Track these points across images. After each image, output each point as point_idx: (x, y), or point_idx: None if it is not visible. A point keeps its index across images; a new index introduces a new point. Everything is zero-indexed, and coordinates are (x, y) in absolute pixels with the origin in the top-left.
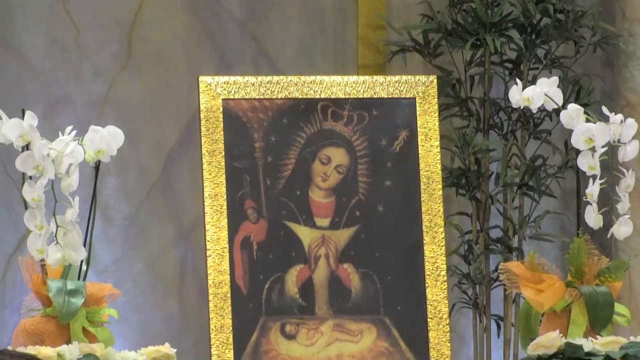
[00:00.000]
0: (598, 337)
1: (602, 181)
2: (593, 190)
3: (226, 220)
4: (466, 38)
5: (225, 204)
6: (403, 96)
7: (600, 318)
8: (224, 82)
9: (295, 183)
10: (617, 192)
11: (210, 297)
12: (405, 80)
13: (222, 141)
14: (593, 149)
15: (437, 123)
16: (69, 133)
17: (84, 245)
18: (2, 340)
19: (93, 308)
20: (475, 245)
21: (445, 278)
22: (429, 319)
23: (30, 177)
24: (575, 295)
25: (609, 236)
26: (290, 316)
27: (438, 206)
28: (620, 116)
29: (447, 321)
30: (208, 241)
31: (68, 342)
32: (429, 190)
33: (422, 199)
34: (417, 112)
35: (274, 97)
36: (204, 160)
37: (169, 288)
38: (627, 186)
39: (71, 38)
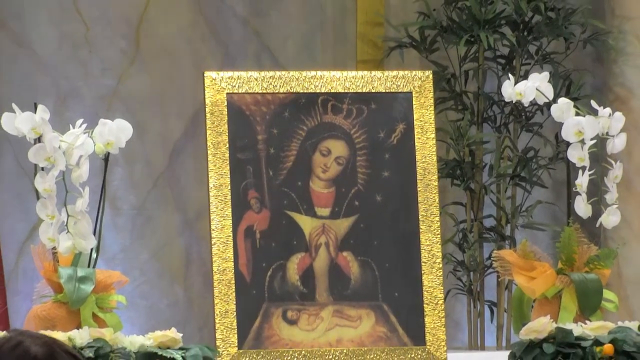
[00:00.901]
0: (587, 322)
1: (591, 172)
2: (582, 181)
3: (230, 209)
4: (461, 35)
5: (230, 194)
6: (400, 90)
7: (589, 304)
8: (229, 77)
9: (296, 174)
10: (606, 182)
11: (215, 284)
12: (402, 75)
13: (227, 134)
14: (583, 142)
15: (433, 116)
16: (79, 126)
17: (94, 233)
18: (14, 326)
19: (102, 294)
20: (470, 233)
21: (441, 265)
22: (425, 305)
23: (42, 169)
24: (565, 282)
25: (597, 225)
26: (291, 302)
27: (434, 196)
28: (608, 110)
29: (443, 307)
30: (213, 230)
31: (78, 327)
32: (425, 181)
33: (419, 189)
34: (414, 106)
35: (276, 91)
36: (209, 152)
37: (175, 275)
38: (615, 177)
39: (81, 34)
